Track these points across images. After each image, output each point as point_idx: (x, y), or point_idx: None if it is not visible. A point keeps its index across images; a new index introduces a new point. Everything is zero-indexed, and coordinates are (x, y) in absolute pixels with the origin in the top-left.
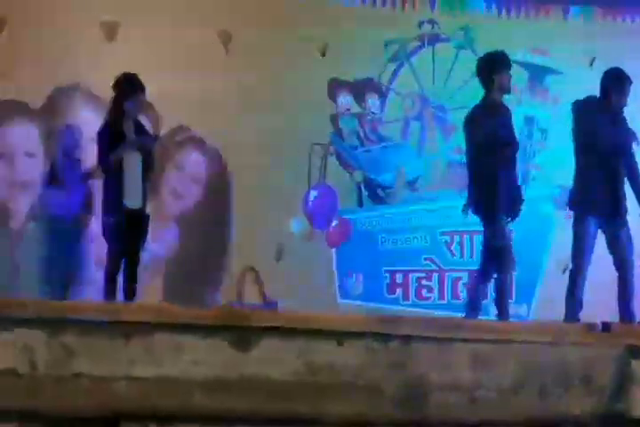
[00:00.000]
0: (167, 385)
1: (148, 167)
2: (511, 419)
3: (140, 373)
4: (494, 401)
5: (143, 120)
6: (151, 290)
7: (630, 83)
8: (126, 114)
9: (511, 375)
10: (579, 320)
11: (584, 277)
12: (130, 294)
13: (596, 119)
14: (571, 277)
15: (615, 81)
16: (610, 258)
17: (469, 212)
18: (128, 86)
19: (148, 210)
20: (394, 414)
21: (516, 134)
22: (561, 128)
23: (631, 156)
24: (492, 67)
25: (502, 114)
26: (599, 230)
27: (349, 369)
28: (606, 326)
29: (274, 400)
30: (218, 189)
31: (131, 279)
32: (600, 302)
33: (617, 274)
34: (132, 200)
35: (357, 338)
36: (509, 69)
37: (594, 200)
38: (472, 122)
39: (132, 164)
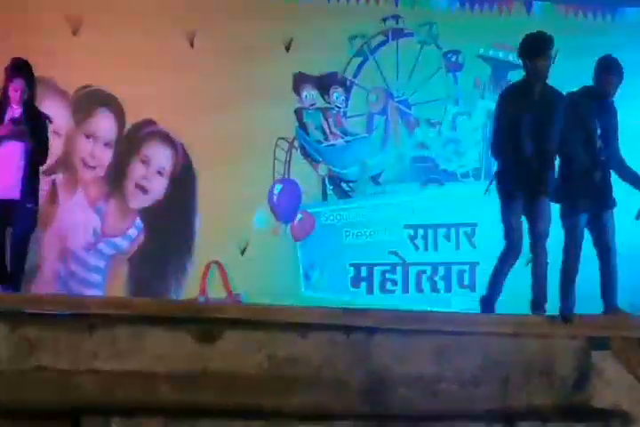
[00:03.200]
0: (130, 378)
1: (36, 157)
2: (473, 411)
3: (102, 366)
4: (456, 393)
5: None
6: (115, 283)
7: (620, 72)
8: (9, 100)
9: (473, 367)
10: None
11: (576, 273)
12: (14, 284)
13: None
14: (564, 272)
15: (607, 70)
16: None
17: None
18: (13, 71)
19: (41, 202)
20: (357, 407)
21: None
22: None
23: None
24: (526, 51)
25: (530, 99)
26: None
27: (313, 362)
28: (566, 318)
29: (237, 393)
30: (183, 183)
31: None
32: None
33: (600, 265)
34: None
35: (321, 331)
36: (545, 54)
37: (580, 192)
38: (500, 101)
39: (9, 153)
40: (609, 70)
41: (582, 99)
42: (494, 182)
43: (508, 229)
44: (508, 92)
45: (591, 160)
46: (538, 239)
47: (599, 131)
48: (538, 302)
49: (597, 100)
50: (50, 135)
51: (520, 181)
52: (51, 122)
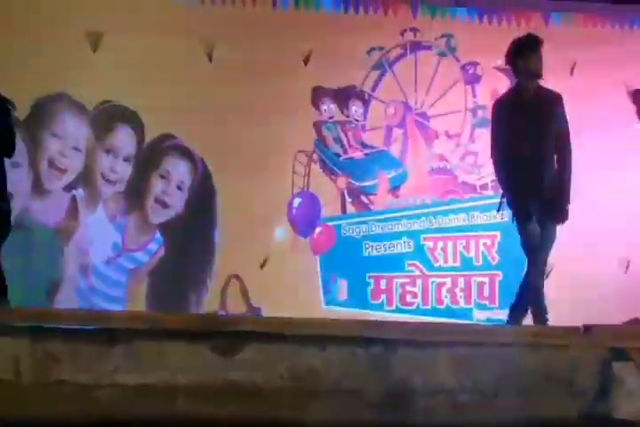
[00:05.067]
0: (151, 392)
1: None
2: (494, 422)
3: (123, 379)
4: (476, 404)
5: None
6: (135, 297)
7: (538, 48)
8: None
9: (494, 378)
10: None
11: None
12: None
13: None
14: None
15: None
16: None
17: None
18: None
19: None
20: (377, 419)
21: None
22: None
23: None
24: (516, 51)
25: (528, 101)
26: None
27: (333, 374)
28: (588, 329)
29: (258, 406)
30: (202, 197)
31: None
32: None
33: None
34: None
35: (341, 343)
36: (536, 52)
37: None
38: (497, 108)
39: None
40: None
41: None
42: (504, 200)
43: (525, 238)
44: (501, 100)
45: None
46: (544, 256)
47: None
48: (540, 313)
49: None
50: (13, 122)
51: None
52: (14, 109)
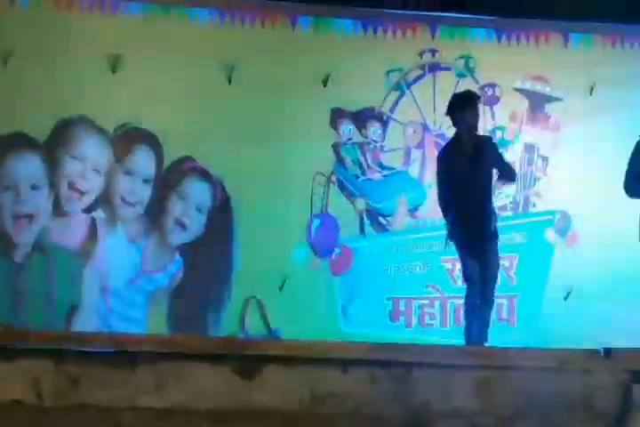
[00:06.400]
0: (172, 415)
1: None
2: None
3: (145, 403)
4: None
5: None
6: (155, 319)
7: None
8: None
9: (513, 402)
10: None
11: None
12: None
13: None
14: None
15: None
16: None
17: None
18: None
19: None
20: None
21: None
22: (562, 155)
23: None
24: (455, 105)
25: (465, 151)
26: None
27: (353, 397)
28: (607, 352)
29: None
30: (221, 219)
31: None
32: None
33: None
34: None
35: (361, 366)
36: (473, 107)
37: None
38: (439, 156)
39: None
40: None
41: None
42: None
43: (466, 269)
44: (443, 150)
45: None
46: (489, 282)
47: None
48: (481, 338)
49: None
50: None
51: (468, 233)
52: None
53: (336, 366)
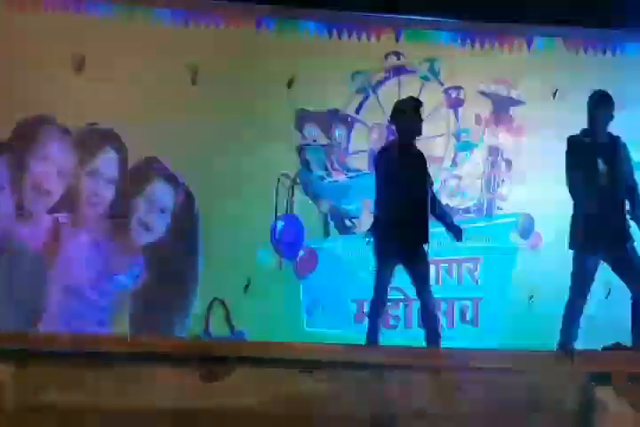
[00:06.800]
0: (135, 416)
1: None
2: None
3: (108, 404)
4: None
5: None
6: (119, 321)
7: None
8: None
9: (477, 403)
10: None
11: (580, 312)
12: None
13: None
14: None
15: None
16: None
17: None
18: None
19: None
20: None
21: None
22: (525, 158)
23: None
24: (398, 111)
25: (407, 157)
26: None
27: (317, 398)
28: (569, 353)
29: None
30: (185, 220)
31: None
32: None
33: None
34: None
35: (326, 367)
36: (415, 113)
37: (594, 238)
38: (379, 160)
39: None
40: (599, 107)
41: (582, 140)
42: (371, 238)
43: (378, 282)
44: (384, 151)
45: (598, 202)
46: (424, 282)
47: (605, 170)
48: (432, 338)
49: (597, 139)
50: None
51: (398, 234)
52: None
53: (300, 367)
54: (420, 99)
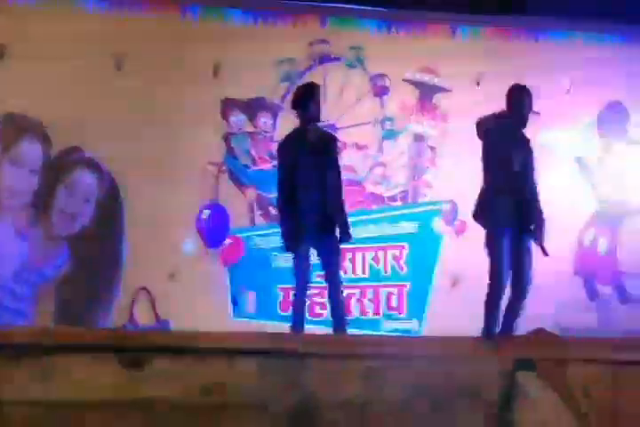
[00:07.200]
0: (60, 408)
1: None
2: None
3: (31, 396)
4: (385, 416)
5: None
6: (42, 312)
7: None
8: None
9: (401, 390)
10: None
11: (501, 296)
12: None
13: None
14: (489, 297)
15: (518, 97)
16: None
17: None
18: None
19: None
20: None
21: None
22: (450, 145)
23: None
24: (297, 98)
25: (308, 143)
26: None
27: (241, 387)
28: (492, 340)
29: (166, 420)
30: (110, 210)
31: None
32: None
33: (513, 289)
34: None
35: (249, 356)
36: (314, 99)
37: (504, 215)
38: (281, 148)
39: None
40: (521, 98)
41: (497, 126)
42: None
43: (296, 271)
44: (284, 142)
45: (509, 185)
46: (334, 270)
47: (516, 158)
48: (340, 325)
49: (511, 128)
50: None
51: (308, 225)
52: None
53: (224, 356)
54: (346, 87)
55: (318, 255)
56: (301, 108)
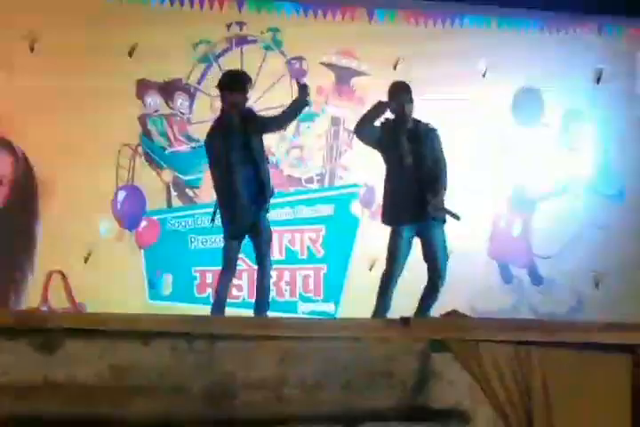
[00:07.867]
0: None
1: None
2: (316, 414)
3: None
4: (299, 398)
5: None
6: None
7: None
8: None
9: (316, 372)
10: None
11: (395, 281)
12: None
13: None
14: (382, 279)
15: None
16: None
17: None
18: None
19: None
20: (200, 414)
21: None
22: None
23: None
24: (222, 85)
25: (234, 129)
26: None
27: (155, 369)
28: (406, 321)
29: (80, 403)
30: (23, 191)
31: None
32: None
33: (429, 278)
34: None
35: (162, 338)
36: (238, 86)
37: (405, 210)
38: (209, 138)
39: None
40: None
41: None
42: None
43: (226, 253)
44: (211, 130)
45: (404, 178)
46: (266, 249)
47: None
48: (263, 306)
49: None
50: None
51: (239, 210)
52: None
53: (137, 338)
54: (263, 70)
55: (250, 237)
56: (226, 94)
